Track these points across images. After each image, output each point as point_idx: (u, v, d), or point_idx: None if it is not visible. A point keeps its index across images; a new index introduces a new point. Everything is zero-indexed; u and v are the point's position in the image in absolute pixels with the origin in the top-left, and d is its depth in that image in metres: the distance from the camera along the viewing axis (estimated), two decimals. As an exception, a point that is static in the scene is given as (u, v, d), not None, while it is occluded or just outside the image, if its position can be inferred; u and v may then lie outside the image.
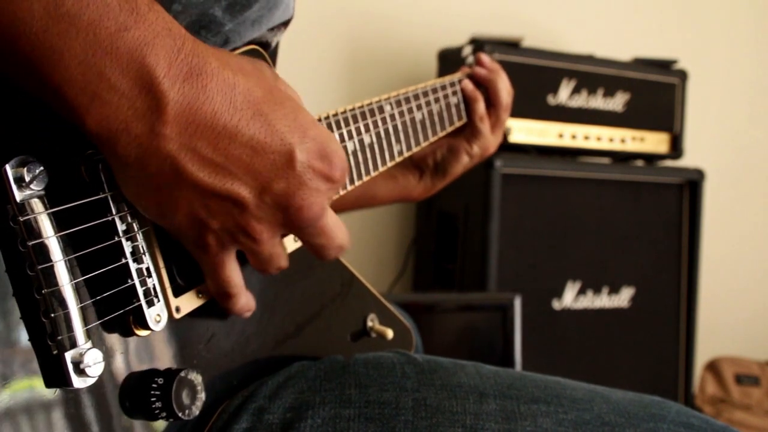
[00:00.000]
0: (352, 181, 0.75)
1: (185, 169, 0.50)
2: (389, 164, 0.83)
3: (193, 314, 0.59)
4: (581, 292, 2.05)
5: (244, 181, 0.52)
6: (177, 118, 0.49)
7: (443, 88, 0.96)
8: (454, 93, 0.98)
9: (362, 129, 0.77)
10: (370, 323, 0.78)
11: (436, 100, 0.95)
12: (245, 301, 0.61)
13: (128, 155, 0.49)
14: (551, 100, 2.05)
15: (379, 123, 0.81)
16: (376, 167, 0.80)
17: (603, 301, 2.09)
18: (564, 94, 2.06)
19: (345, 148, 0.74)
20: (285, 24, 0.75)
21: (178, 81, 0.49)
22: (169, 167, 0.50)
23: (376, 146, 0.80)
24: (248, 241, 0.55)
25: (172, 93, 0.48)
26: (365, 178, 0.78)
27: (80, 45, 0.46)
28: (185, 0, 0.62)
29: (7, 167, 0.47)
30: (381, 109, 0.81)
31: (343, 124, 0.74)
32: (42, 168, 0.48)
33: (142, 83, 0.47)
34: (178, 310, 0.57)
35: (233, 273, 0.58)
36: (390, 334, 0.78)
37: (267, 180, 0.53)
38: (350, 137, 0.75)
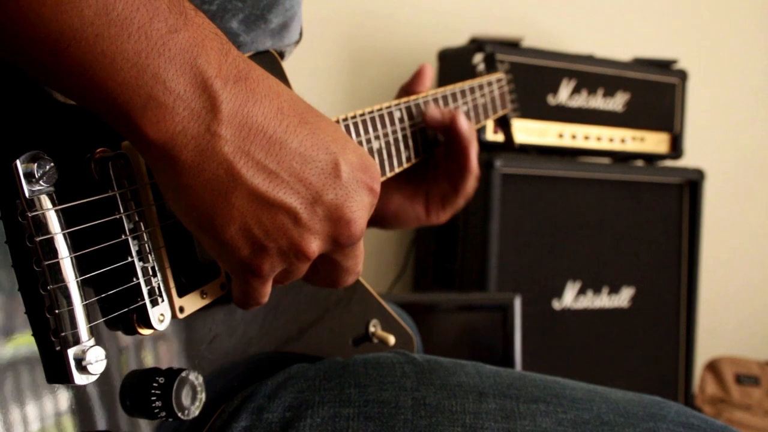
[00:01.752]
0: None
1: (240, 175, 0.49)
2: (397, 170, 0.83)
3: (197, 314, 0.59)
4: (581, 292, 2.05)
5: (296, 191, 0.52)
6: (231, 119, 0.48)
7: (454, 96, 0.95)
8: (465, 103, 0.98)
9: (371, 135, 0.77)
10: (372, 329, 0.78)
11: (455, 106, 0.95)
12: None
13: (185, 159, 0.48)
14: (551, 100, 2.05)
15: (389, 129, 0.81)
16: (384, 173, 0.80)
17: (603, 301, 2.09)
18: (564, 94, 2.06)
19: None
20: (294, 43, 0.76)
21: (229, 82, 0.49)
22: (225, 172, 0.49)
23: (384, 152, 0.80)
24: (298, 260, 0.54)
25: (225, 93, 0.48)
26: None
27: (132, 48, 0.45)
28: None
29: (18, 162, 0.47)
30: (391, 116, 0.81)
31: (353, 131, 0.74)
32: (52, 164, 0.48)
33: (196, 83, 0.47)
34: (181, 310, 0.57)
35: (270, 287, 0.57)
36: (392, 340, 0.78)
37: (317, 190, 0.52)
38: (359, 143, 0.75)
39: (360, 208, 0.55)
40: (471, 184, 0.91)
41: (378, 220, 0.94)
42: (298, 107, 0.53)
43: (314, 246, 0.54)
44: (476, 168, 0.90)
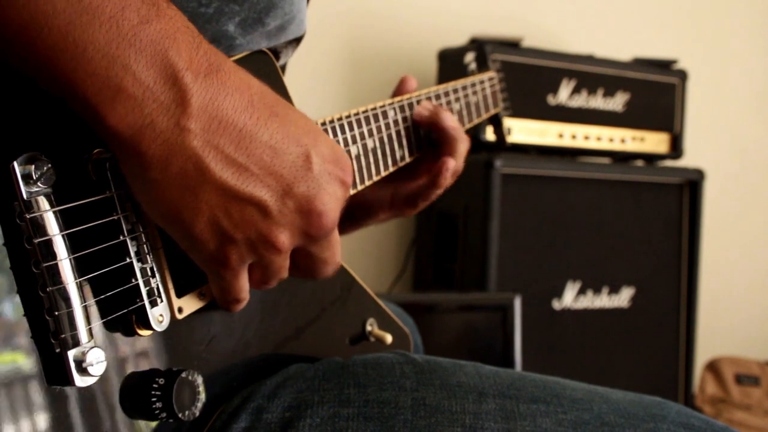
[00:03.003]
0: (354, 185, 0.76)
1: (209, 169, 0.49)
2: (391, 169, 0.83)
3: (195, 315, 0.59)
4: (581, 292, 2.05)
5: (266, 184, 0.51)
6: (200, 113, 0.48)
7: (446, 94, 0.96)
8: (457, 100, 0.98)
9: (366, 133, 0.77)
10: (369, 327, 0.79)
11: (448, 103, 0.95)
12: (246, 301, 0.61)
13: (152, 153, 0.48)
14: (551, 100, 2.05)
15: (383, 128, 0.81)
16: (378, 172, 0.80)
17: (603, 301, 2.09)
18: (564, 94, 2.06)
19: (348, 152, 0.74)
20: (297, 40, 0.75)
21: (200, 76, 0.48)
22: (193, 166, 0.49)
23: (378, 151, 0.80)
24: (268, 252, 0.54)
25: (195, 87, 0.48)
26: (367, 183, 0.78)
27: (104, 37, 0.45)
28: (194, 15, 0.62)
29: (15, 164, 0.47)
30: (385, 114, 0.81)
31: (347, 128, 0.74)
32: (50, 165, 0.48)
33: (167, 76, 0.47)
34: (180, 310, 0.57)
35: (246, 281, 0.57)
36: (389, 338, 0.78)
37: (288, 183, 0.52)
38: (354, 141, 0.75)
39: (331, 200, 0.55)
40: (447, 181, 0.88)
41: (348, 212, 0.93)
42: (269, 99, 0.53)
43: (283, 238, 0.54)
44: (455, 164, 0.87)
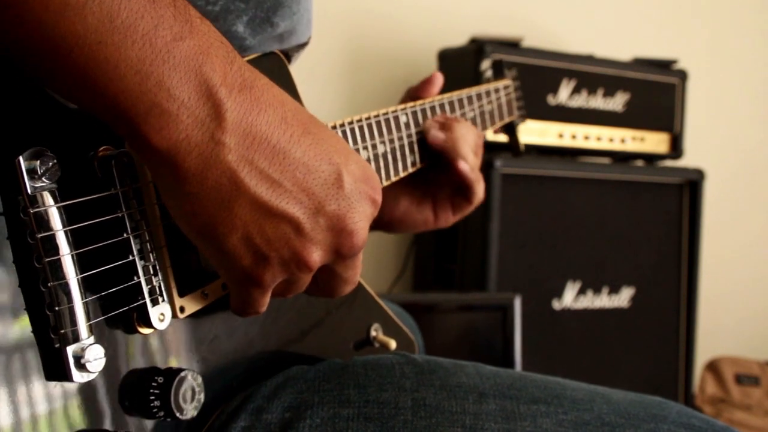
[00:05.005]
0: None
1: (243, 183, 0.49)
2: (402, 174, 0.82)
3: (197, 315, 0.59)
4: (581, 292, 2.05)
5: (299, 200, 0.51)
6: (235, 127, 0.48)
7: (461, 103, 0.95)
8: (472, 109, 0.97)
9: (377, 140, 0.77)
10: (373, 333, 0.78)
11: (462, 114, 0.94)
12: None
13: (188, 166, 0.48)
14: (551, 100, 2.05)
15: (394, 134, 0.80)
16: (388, 177, 0.80)
17: (603, 301, 2.09)
18: (564, 94, 2.06)
19: None
20: (302, 45, 0.75)
21: (234, 91, 0.49)
22: (228, 180, 0.49)
23: (389, 156, 0.79)
24: (300, 271, 0.54)
25: (230, 102, 0.48)
26: None
27: (136, 55, 0.45)
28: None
29: (21, 158, 0.47)
30: (397, 120, 0.81)
31: (358, 133, 0.74)
32: (55, 161, 0.48)
33: (201, 91, 0.47)
34: (182, 310, 0.57)
35: (269, 296, 0.57)
36: (393, 345, 0.78)
37: (320, 200, 0.52)
38: (365, 147, 0.75)
39: (362, 218, 0.55)
40: (479, 190, 0.90)
41: (384, 224, 0.93)
42: (302, 117, 0.53)
43: (316, 256, 0.54)
44: (471, 176, 0.88)
